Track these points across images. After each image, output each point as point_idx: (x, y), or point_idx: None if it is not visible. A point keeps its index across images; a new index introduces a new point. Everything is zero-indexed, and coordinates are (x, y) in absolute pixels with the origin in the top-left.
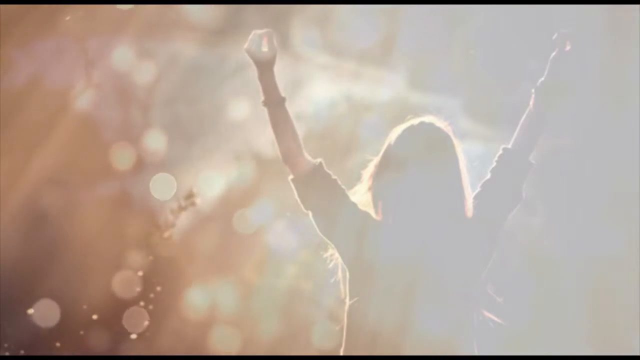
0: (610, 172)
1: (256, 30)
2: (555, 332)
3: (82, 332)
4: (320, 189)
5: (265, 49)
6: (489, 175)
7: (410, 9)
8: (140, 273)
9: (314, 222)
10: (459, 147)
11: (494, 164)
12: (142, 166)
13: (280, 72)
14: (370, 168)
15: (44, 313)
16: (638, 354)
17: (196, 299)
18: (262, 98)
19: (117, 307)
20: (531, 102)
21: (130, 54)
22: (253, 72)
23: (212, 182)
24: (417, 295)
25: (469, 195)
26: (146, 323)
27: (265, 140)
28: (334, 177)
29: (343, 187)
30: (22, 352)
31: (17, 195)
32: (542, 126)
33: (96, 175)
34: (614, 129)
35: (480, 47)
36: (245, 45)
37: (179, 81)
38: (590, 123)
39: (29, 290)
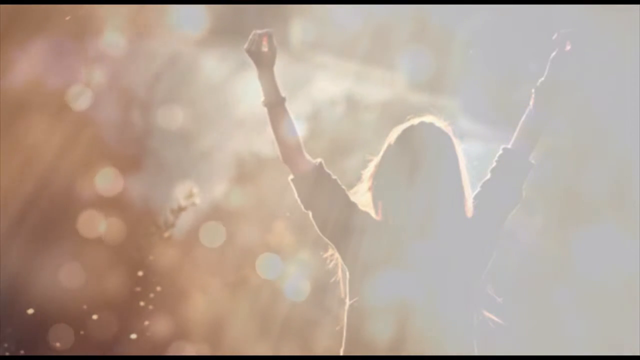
0: (610, 172)
1: (256, 30)
2: (555, 332)
3: (82, 332)
4: (320, 189)
5: (265, 48)
6: (489, 175)
7: (410, 9)
8: (140, 273)
9: (313, 222)
10: (459, 147)
11: (494, 164)
12: (142, 166)
13: (280, 72)
14: (370, 168)
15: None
16: (638, 354)
17: (196, 299)
18: (262, 98)
19: (117, 307)
20: (531, 102)
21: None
22: (253, 72)
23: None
24: (416, 295)
25: (469, 195)
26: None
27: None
28: (334, 177)
29: (343, 187)
30: (22, 352)
31: (17, 195)
32: (542, 126)
33: (96, 175)
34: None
35: (480, 47)
36: (245, 45)
37: (179, 81)
38: (590, 123)
39: (29, 290)
